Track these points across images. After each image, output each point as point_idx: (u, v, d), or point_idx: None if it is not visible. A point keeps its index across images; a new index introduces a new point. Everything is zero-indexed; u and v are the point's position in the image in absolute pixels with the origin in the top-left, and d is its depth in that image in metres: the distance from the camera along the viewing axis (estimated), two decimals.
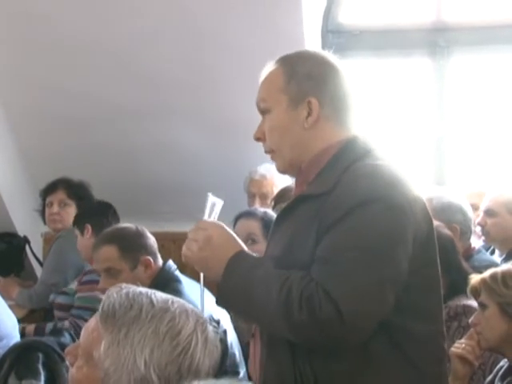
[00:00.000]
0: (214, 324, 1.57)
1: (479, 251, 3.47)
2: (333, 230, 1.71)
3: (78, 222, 3.84)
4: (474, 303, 2.50)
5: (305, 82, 1.87)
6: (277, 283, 1.70)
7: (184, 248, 1.86)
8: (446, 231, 2.87)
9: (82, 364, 1.50)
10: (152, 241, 3.08)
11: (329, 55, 1.93)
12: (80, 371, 1.50)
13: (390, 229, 1.71)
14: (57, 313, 3.74)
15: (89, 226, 3.76)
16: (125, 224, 3.15)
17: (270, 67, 1.94)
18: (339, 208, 1.72)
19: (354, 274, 1.66)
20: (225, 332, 2.83)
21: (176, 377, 1.43)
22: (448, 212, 3.31)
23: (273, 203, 3.63)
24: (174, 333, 1.45)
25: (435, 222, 2.70)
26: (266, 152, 1.94)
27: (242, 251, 1.82)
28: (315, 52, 1.96)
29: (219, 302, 1.84)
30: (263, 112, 1.92)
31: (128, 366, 1.42)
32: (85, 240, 3.76)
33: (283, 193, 3.63)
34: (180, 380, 1.42)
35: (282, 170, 1.94)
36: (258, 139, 1.94)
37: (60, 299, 3.76)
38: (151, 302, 1.50)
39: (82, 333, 1.55)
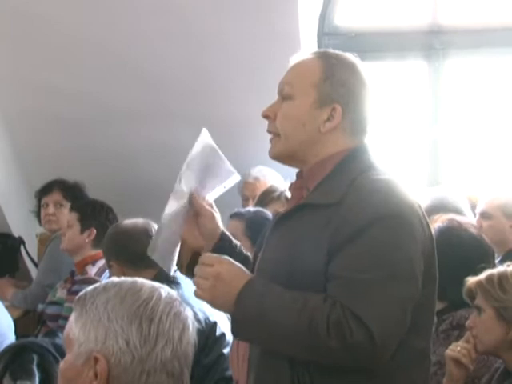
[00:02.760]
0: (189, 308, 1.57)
1: None
2: (348, 248, 1.69)
3: (84, 219, 3.72)
4: None
5: (338, 87, 1.83)
6: (294, 309, 1.67)
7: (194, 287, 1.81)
8: (474, 231, 2.74)
9: (67, 354, 1.54)
10: None
11: (366, 70, 1.91)
12: (64, 361, 1.54)
13: (406, 246, 1.70)
14: (49, 324, 3.63)
15: (94, 230, 3.71)
16: (139, 219, 3.06)
17: (307, 55, 1.90)
18: (352, 224, 1.70)
19: (379, 295, 1.65)
20: (223, 335, 2.82)
21: (139, 329, 1.47)
22: (459, 211, 3.35)
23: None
24: (136, 290, 1.52)
25: (468, 224, 2.68)
26: (269, 131, 1.89)
27: (249, 281, 1.77)
28: (356, 62, 1.91)
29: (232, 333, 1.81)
30: (284, 96, 1.87)
31: (93, 324, 1.48)
32: (82, 239, 3.71)
33: (263, 197, 3.65)
34: (142, 332, 1.46)
35: (277, 156, 1.89)
36: (266, 117, 1.89)
37: (50, 310, 3.67)
38: (119, 280, 1.57)
39: None
